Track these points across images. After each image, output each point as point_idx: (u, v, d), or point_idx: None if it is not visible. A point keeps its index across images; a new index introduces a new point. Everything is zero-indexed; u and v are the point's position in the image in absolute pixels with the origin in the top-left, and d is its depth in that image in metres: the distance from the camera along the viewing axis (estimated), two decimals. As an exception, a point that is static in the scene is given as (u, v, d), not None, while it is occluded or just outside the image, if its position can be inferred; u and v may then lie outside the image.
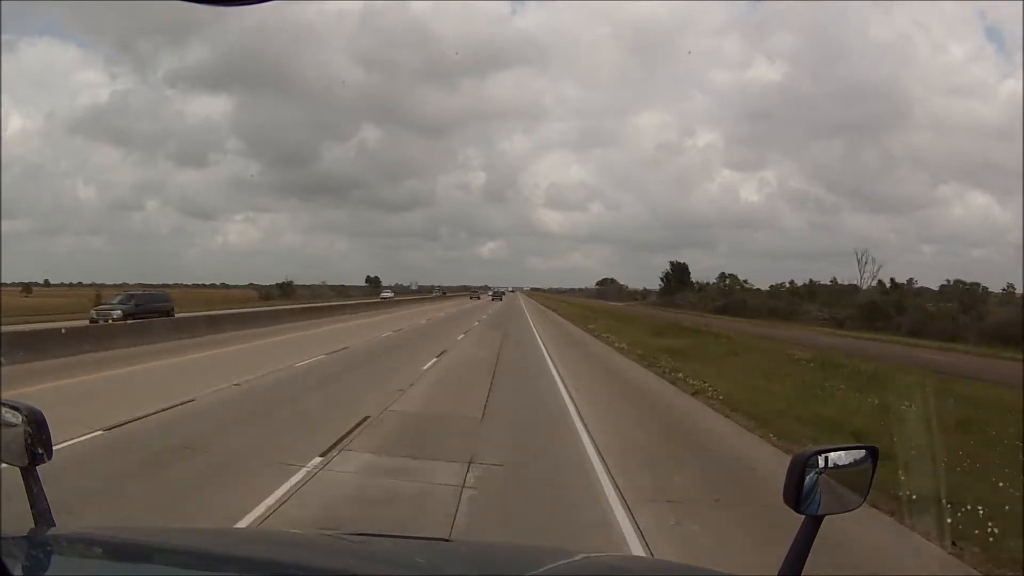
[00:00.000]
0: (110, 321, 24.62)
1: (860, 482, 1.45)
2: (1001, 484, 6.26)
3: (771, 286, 79.52)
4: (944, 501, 5.42)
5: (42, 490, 1.45)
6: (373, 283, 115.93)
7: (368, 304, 54.81)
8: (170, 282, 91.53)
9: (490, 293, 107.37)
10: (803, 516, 1.37)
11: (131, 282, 67.82)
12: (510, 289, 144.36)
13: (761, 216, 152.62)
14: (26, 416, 1.45)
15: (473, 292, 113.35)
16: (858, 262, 63.16)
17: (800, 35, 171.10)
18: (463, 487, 6.24)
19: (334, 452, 7.37)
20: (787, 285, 76.66)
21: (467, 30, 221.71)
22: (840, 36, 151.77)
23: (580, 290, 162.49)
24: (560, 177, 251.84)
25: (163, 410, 9.46)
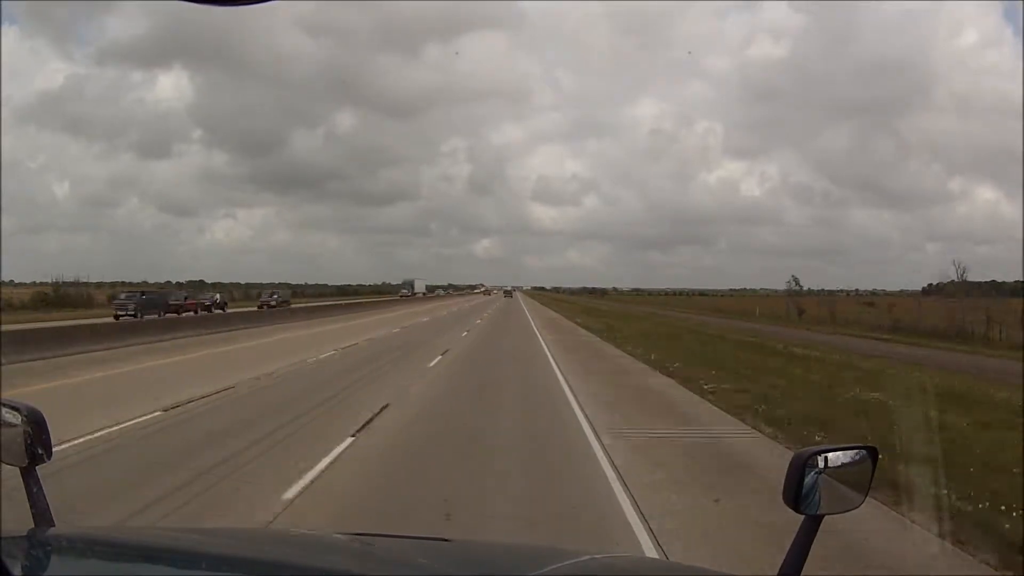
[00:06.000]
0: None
1: (860, 481, 1.47)
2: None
3: None
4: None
5: (42, 490, 1.47)
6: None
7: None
8: (163, 280, 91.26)
9: (500, 291, 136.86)
10: (803, 516, 1.38)
11: (134, 281, 73.22)
12: (509, 288, 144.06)
13: (764, 210, 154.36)
14: (26, 416, 1.46)
15: (486, 290, 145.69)
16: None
17: (808, 13, 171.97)
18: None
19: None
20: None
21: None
22: (849, 14, 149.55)
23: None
24: (557, 170, 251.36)
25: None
